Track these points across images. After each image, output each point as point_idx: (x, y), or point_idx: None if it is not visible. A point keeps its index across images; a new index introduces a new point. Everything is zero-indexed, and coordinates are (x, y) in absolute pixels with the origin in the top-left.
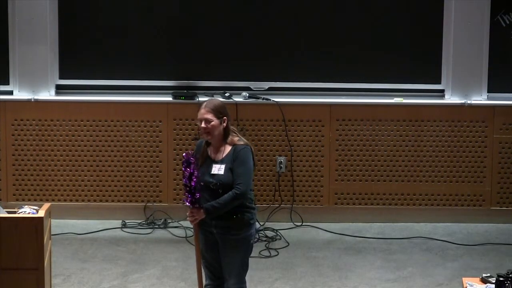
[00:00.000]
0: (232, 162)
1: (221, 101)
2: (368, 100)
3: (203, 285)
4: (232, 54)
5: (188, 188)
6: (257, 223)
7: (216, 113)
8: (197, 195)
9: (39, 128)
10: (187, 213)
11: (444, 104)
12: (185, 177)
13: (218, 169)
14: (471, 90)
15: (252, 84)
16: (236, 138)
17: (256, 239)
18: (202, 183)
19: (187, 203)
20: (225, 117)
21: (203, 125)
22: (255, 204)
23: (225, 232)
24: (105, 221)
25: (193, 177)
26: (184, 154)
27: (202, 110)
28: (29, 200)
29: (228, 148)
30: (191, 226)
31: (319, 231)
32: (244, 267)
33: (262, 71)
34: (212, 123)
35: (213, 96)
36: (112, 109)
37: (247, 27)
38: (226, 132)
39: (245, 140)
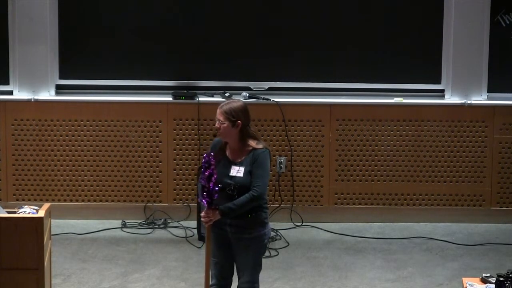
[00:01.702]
0: (252, 164)
1: (241, 104)
2: (368, 100)
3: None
4: (232, 54)
5: (206, 189)
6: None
7: (228, 116)
8: (215, 196)
9: (39, 128)
10: (202, 214)
11: (444, 104)
12: (203, 178)
13: (237, 171)
14: (471, 90)
15: (252, 84)
16: (254, 142)
17: (271, 237)
18: (220, 185)
19: (204, 204)
20: (238, 121)
21: (216, 124)
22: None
23: (239, 231)
24: (105, 221)
25: (212, 178)
26: (205, 155)
27: (218, 110)
28: (29, 200)
29: (246, 151)
30: (192, 226)
31: (319, 231)
32: (257, 267)
33: (262, 71)
34: (223, 125)
35: (213, 96)
36: (112, 109)
37: (247, 27)
38: (242, 135)
39: (263, 143)
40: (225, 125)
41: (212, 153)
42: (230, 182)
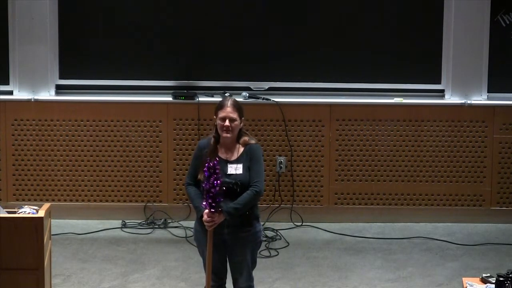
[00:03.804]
0: (249, 160)
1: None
2: (368, 100)
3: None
4: (232, 54)
5: (211, 194)
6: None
7: (240, 113)
8: (218, 199)
9: (39, 128)
10: (205, 219)
11: (444, 104)
12: (209, 183)
13: (235, 169)
14: (471, 90)
15: (252, 84)
16: (247, 138)
17: (263, 236)
18: (223, 187)
19: (208, 209)
20: (242, 118)
21: (227, 123)
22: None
23: (236, 230)
24: (105, 221)
25: (216, 184)
26: (208, 159)
27: (228, 108)
28: (29, 200)
29: (241, 148)
30: (191, 226)
31: (319, 231)
32: (254, 264)
33: (262, 71)
34: (236, 122)
35: (212, 96)
36: (112, 109)
37: (247, 27)
38: (240, 133)
39: (254, 139)
40: (237, 122)
41: (217, 159)
42: (229, 180)
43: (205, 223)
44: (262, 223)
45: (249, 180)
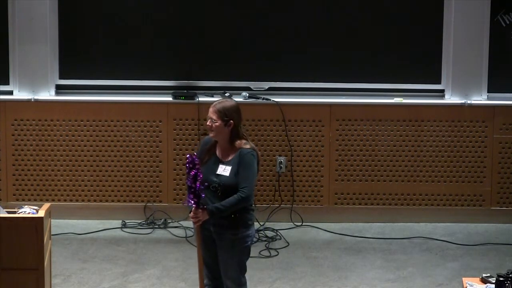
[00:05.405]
0: (238, 165)
1: (234, 103)
2: (368, 100)
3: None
4: (232, 54)
5: (192, 190)
6: (255, 223)
7: (222, 114)
8: (202, 195)
9: (39, 128)
10: (190, 214)
11: (444, 104)
12: (189, 179)
13: (223, 170)
14: (471, 90)
15: (252, 84)
16: (242, 142)
17: (255, 240)
18: (206, 183)
19: (192, 205)
20: (231, 121)
21: (208, 123)
22: (254, 206)
23: (222, 231)
24: (105, 221)
25: (198, 178)
26: (188, 155)
27: (211, 109)
28: (29, 200)
29: (234, 151)
30: (191, 226)
31: (319, 231)
32: (241, 269)
33: (262, 71)
34: (216, 123)
35: (213, 96)
36: (112, 109)
37: (247, 27)
38: (232, 135)
39: (252, 145)
40: (217, 123)
41: (195, 153)
42: (215, 180)
43: (191, 219)
44: (262, 222)
45: (234, 184)
